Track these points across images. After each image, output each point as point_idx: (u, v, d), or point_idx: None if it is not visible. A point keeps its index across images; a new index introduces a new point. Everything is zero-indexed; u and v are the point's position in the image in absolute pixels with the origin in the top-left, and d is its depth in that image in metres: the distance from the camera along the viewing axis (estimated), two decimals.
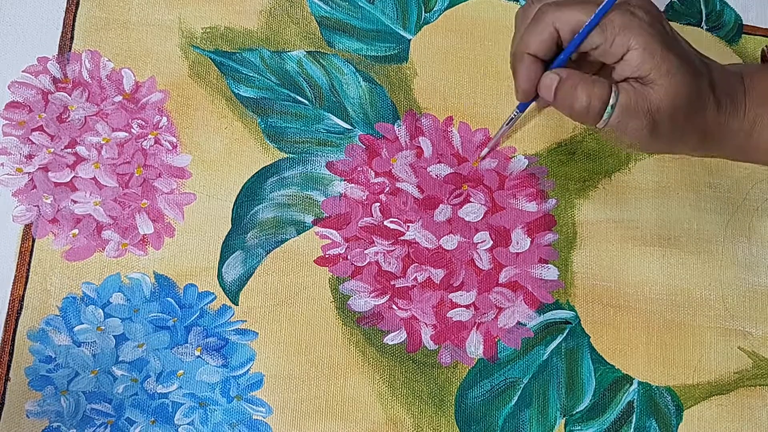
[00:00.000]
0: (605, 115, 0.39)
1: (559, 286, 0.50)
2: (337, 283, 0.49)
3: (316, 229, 0.49)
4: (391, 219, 0.49)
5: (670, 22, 0.39)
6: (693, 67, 0.39)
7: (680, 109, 0.38)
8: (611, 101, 0.38)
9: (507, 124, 0.47)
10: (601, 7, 0.38)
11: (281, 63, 0.51)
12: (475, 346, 0.49)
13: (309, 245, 0.49)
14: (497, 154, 0.51)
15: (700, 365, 0.51)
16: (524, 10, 0.41)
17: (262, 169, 0.50)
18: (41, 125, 0.49)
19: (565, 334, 0.50)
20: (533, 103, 0.44)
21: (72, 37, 0.50)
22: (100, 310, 0.47)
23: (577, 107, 0.39)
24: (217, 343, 0.47)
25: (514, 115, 0.46)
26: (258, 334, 0.48)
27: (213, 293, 0.48)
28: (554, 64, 0.40)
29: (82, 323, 0.46)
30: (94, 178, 0.48)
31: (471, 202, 0.50)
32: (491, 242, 0.50)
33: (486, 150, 0.50)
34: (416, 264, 0.49)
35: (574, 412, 0.49)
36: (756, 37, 0.56)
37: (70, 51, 0.50)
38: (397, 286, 0.49)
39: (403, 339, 0.49)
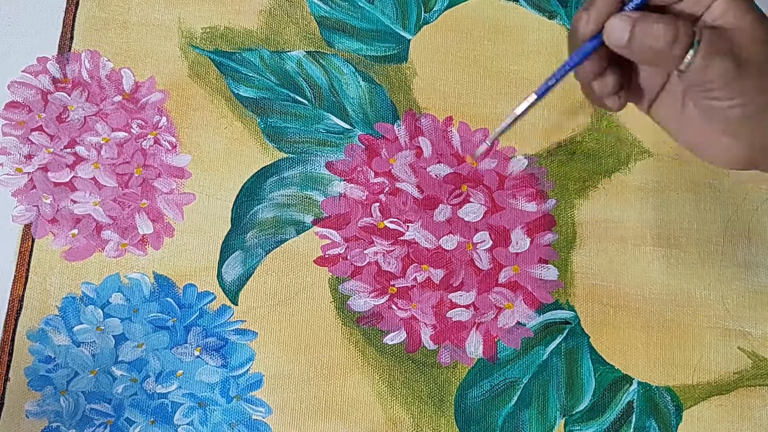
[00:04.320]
0: (689, 56, 0.36)
1: (558, 286, 0.50)
2: (336, 283, 0.49)
3: (316, 229, 0.49)
4: (390, 219, 0.49)
5: None
6: None
7: (764, 54, 0.36)
8: (696, 37, 0.36)
9: (527, 109, 0.40)
10: None
11: (281, 63, 0.51)
12: (474, 346, 0.49)
13: (309, 245, 0.49)
14: (497, 155, 0.51)
15: (700, 365, 0.51)
16: None
17: (262, 169, 0.50)
18: (41, 125, 0.49)
19: (564, 334, 0.50)
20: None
21: (72, 37, 0.50)
22: (100, 310, 0.47)
23: (659, 46, 0.36)
24: (217, 343, 0.47)
25: (534, 100, 0.39)
26: (257, 334, 0.48)
27: (212, 293, 0.48)
28: (634, 1, 0.37)
29: (82, 323, 0.46)
30: (93, 178, 0.48)
31: (471, 202, 0.50)
32: (491, 242, 0.50)
33: (493, 136, 0.40)
34: (416, 264, 0.49)
35: (574, 412, 0.49)
36: None
37: (69, 51, 0.50)
38: (396, 286, 0.49)
39: (402, 339, 0.49)
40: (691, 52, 0.36)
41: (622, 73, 0.39)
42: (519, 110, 0.39)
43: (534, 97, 0.39)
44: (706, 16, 0.37)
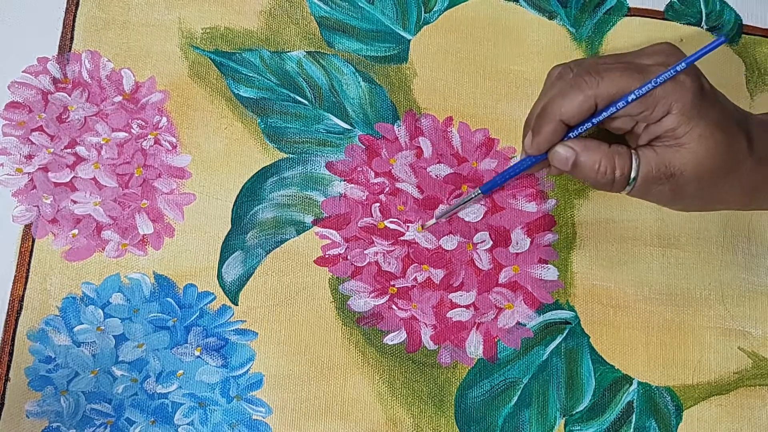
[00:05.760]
0: (628, 187, 0.40)
1: (558, 287, 0.50)
2: (336, 283, 0.49)
3: (316, 229, 0.49)
4: (390, 219, 0.49)
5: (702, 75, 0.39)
6: (727, 130, 0.38)
7: (706, 173, 0.38)
8: (632, 174, 0.39)
9: (465, 202, 0.48)
10: (651, 81, 0.37)
11: (281, 63, 0.51)
12: (474, 347, 0.49)
13: (309, 245, 0.49)
14: (497, 155, 0.51)
15: (700, 365, 0.51)
16: (562, 75, 0.41)
17: (262, 169, 0.50)
18: (41, 125, 0.49)
19: (564, 335, 0.50)
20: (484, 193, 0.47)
21: (72, 38, 0.50)
22: (100, 311, 0.47)
23: (600, 180, 0.39)
24: (217, 343, 0.47)
25: (475, 195, 0.47)
26: (258, 334, 0.48)
27: (213, 293, 0.48)
28: (579, 128, 0.40)
29: (82, 323, 0.46)
30: (93, 179, 0.48)
31: None
32: (491, 242, 0.50)
33: (432, 221, 0.49)
34: (416, 264, 0.49)
35: (574, 412, 0.49)
36: (756, 37, 0.56)
37: (69, 51, 0.50)
38: (397, 286, 0.49)
39: (402, 339, 0.49)
40: (630, 183, 0.39)
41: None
42: (463, 200, 0.47)
43: (479, 191, 0.47)
44: (656, 127, 0.39)
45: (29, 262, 0.47)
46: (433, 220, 0.49)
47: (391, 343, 0.49)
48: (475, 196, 0.47)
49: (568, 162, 0.40)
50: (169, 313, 0.47)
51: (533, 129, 0.41)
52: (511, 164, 0.43)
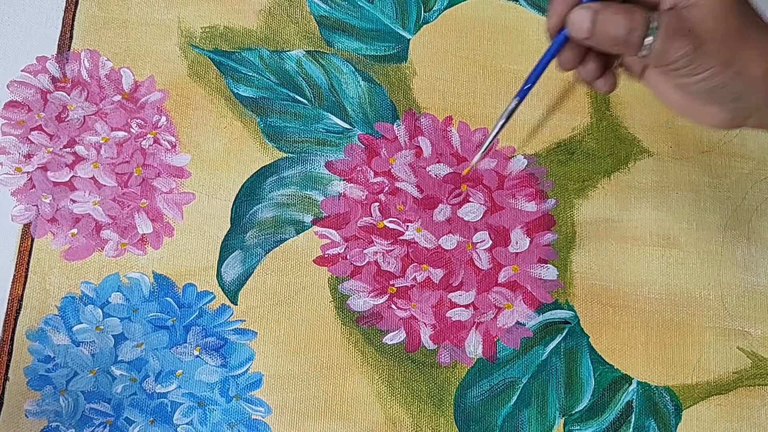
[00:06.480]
0: (647, 41, 0.38)
1: (558, 286, 0.50)
2: (336, 282, 0.49)
3: (316, 228, 0.49)
4: (390, 219, 0.49)
5: None
6: None
7: (722, 29, 0.37)
8: (652, 24, 0.38)
9: (506, 116, 0.42)
10: None
11: (280, 62, 0.51)
12: (474, 346, 0.49)
13: (308, 245, 0.49)
14: (496, 154, 0.51)
15: (699, 365, 0.51)
16: None
17: (262, 168, 0.50)
18: (40, 125, 0.49)
19: (564, 334, 0.50)
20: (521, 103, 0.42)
21: (71, 37, 0.50)
22: (99, 310, 0.47)
23: (618, 36, 0.38)
24: (216, 343, 0.47)
25: (514, 104, 0.42)
26: (257, 333, 0.48)
27: (212, 293, 0.48)
28: None
29: (81, 323, 0.46)
30: (93, 178, 0.48)
31: (470, 201, 0.50)
32: (490, 242, 0.50)
33: (480, 155, 0.44)
34: (415, 264, 0.49)
35: (573, 412, 0.49)
36: None
37: (69, 50, 0.50)
38: (396, 285, 0.49)
39: (402, 339, 0.49)
40: (650, 38, 0.37)
41: (605, 55, 0.40)
42: (502, 120, 0.42)
43: (515, 102, 0.42)
44: None
45: (28, 261, 0.47)
46: (478, 158, 0.44)
47: (391, 342, 0.49)
48: (515, 106, 0.42)
49: (586, 24, 0.38)
50: (169, 312, 0.47)
51: (549, 7, 0.39)
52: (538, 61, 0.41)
